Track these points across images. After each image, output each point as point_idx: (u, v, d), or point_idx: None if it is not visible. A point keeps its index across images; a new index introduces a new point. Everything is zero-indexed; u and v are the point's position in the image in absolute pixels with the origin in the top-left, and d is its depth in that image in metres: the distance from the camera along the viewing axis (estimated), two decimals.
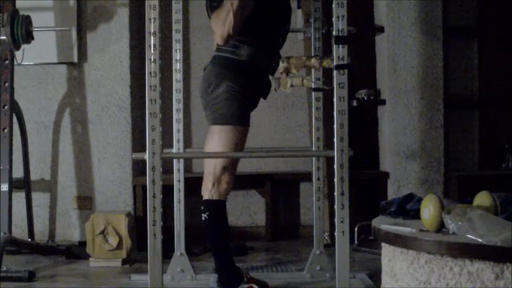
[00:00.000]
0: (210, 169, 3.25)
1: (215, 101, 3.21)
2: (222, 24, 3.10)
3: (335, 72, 2.82)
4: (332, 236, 4.40)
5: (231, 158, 3.24)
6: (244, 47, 3.24)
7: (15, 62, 4.30)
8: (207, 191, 3.25)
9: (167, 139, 3.66)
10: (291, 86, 3.61)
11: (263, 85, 3.38)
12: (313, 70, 3.58)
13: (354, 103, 4.77)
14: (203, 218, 3.23)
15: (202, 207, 3.27)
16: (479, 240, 2.14)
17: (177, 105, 3.74)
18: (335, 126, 2.83)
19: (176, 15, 3.74)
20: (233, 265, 3.34)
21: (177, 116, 3.74)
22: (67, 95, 4.85)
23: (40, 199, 4.82)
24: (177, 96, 3.75)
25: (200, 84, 3.34)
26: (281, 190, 5.10)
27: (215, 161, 3.23)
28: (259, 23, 3.23)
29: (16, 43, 4.25)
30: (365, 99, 4.83)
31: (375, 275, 3.62)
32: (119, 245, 4.10)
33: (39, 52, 4.65)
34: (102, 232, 4.09)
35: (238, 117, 3.21)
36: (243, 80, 3.23)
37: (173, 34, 3.75)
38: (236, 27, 3.11)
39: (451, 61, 5.10)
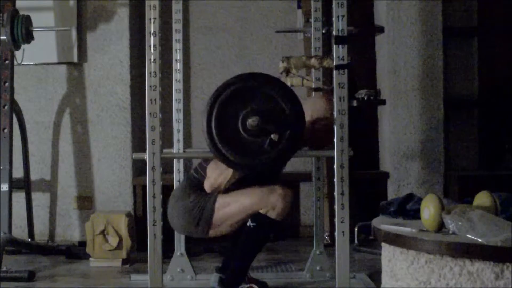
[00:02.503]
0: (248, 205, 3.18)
1: (193, 209, 3.17)
2: (219, 174, 3.11)
3: (335, 72, 2.83)
4: (332, 236, 4.40)
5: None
6: None
7: (15, 62, 4.30)
8: (268, 207, 3.15)
9: (167, 139, 3.66)
10: (291, 86, 3.62)
11: None
12: (313, 70, 3.59)
13: (354, 103, 4.76)
14: (248, 224, 3.15)
15: (253, 216, 3.20)
16: (479, 240, 2.14)
17: (177, 105, 3.74)
18: (335, 126, 2.82)
19: (176, 15, 3.74)
20: (246, 274, 3.32)
21: (177, 116, 3.74)
22: (67, 95, 4.85)
23: (40, 199, 4.82)
24: (177, 96, 3.75)
25: (172, 212, 3.26)
26: None
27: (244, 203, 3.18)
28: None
29: (16, 43, 4.25)
30: (365, 99, 4.82)
31: (375, 275, 3.62)
32: (119, 245, 4.09)
33: (39, 52, 4.65)
34: (102, 232, 4.09)
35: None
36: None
37: (173, 34, 3.75)
38: (227, 185, 3.12)
39: (451, 61, 5.10)
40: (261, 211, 3.13)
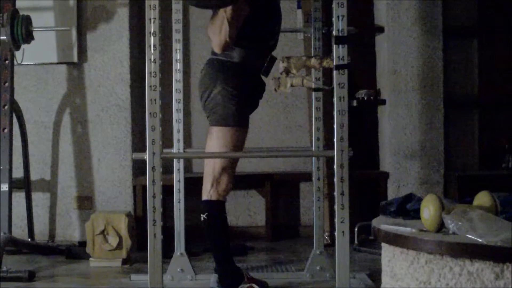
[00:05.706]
0: (209, 170, 3.28)
1: (212, 103, 3.25)
2: (218, 32, 3.15)
3: (335, 72, 2.82)
4: (332, 236, 4.40)
5: (230, 159, 3.25)
6: (236, 49, 3.26)
7: (15, 62, 4.30)
8: (206, 192, 3.28)
9: (167, 139, 3.66)
10: (291, 86, 3.61)
11: (257, 86, 3.41)
12: (313, 70, 3.59)
13: (354, 103, 4.77)
14: (202, 219, 3.26)
15: (201, 207, 3.29)
16: (479, 240, 2.14)
17: (177, 105, 3.75)
18: (335, 126, 2.82)
19: (176, 15, 3.74)
20: (234, 265, 3.34)
21: (177, 116, 3.74)
22: (67, 95, 4.85)
23: (40, 199, 4.82)
24: (177, 96, 3.75)
25: (198, 86, 3.40)
26: (281, 190, 5.10)
27: (214, 162, 3.26)
28: (252, 27, 3.24)
29: (16, 43, 4.25)
30: (365, 99, 4.84)
31: (375, 275, 3.62)
32: (119, 245, 4.10)
33: (39, 52, 4.65)
34: (102, 232, 4.09)
35: (236, 118, 3.23)
36: (237, 82, 3.25)
37: (173, 34, 3.75)
38: (233, 34, 3.15)
39: (451, 61, 5.10)
40: (205, 198, 3.26)
